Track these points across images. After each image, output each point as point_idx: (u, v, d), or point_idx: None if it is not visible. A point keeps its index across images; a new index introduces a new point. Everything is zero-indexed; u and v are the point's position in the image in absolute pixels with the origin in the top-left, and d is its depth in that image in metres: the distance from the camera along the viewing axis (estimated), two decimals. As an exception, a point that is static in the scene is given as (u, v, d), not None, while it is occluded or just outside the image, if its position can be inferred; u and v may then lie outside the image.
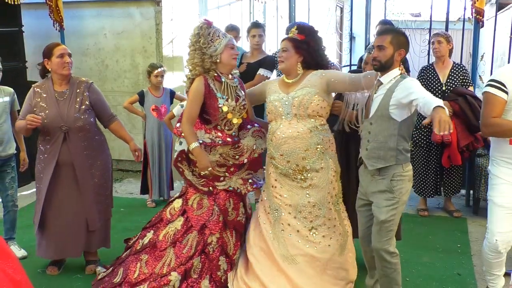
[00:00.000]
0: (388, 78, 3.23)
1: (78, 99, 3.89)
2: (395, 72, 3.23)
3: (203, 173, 3.65)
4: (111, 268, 3.94)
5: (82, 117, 3.86)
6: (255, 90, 3.94)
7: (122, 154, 7.03)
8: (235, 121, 3.73)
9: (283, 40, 3.69)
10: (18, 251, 4.44)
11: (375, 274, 3.53)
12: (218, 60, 3.64)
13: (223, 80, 3.68)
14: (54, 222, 3.98)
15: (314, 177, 3.63)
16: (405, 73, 3.33)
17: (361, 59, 5.29)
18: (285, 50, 3.62)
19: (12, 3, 5.32)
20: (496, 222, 3.23)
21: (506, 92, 3.09)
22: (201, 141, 3.67)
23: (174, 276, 3.59)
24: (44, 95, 3.87)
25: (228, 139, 3.71)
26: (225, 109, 3.64)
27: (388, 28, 3.50)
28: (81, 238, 4.02)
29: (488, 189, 3.39)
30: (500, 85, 3.10)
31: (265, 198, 3.80)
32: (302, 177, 3.62)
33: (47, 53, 3.90)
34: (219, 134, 3.71)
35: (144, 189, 5.90)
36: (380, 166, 3.24)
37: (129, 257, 3.82)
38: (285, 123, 3.59)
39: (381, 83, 3.26)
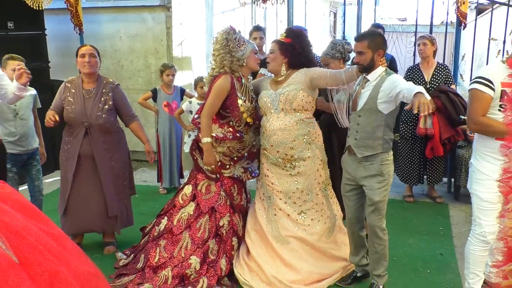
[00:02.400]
0: (374, 75, 3.26)
1: (102, 99, 3.87)
2: (380, 69, 3.26)
3: (205, 168, 3.66)
4: (132, 255, 3.94)
5: (104, 115, 3.84)
6: (254, 85, 3.92)
7: (137, 146, 6.98)
8: (248, 120, 3.74)
9: (272, 43, 3.72)
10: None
11: (360, 252, 3.56)
12: (244, 64, 3.65)
13: (243, 82, 3.69)
14: (76, 208, 3.98)
15: (302, 166, 3.66)
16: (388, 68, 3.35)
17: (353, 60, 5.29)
18: (272, 52, 3.66)
19: (36, 8, 5.30)
20: (483, 216, 3.05)
21: (493, 89, 2.91)
22: (214, 135, 3.68)
23: (194, 259, 3.60)
24: (73, 91, 3.86)
25: (237, 134, 3.73)
26: (242, 109, 3.66)
27: (364, 34, 3.44)
28: (101, 220, 4.02)
29: (470, 182, 3.17)
30: (487, 82, 2.93)
31: (260, 187, 3.85)
32: (291, 166, 3.66)
33: (76, 53, 3.91)
34: (230, 129, 3.72)
35: (159, 177, 5.89)
36: (368, 154, 3.28)
37: (148, 243, 3.82)
38: (274, 117, 3.61)
39: (368, 80, 3.28)
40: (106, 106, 3.86)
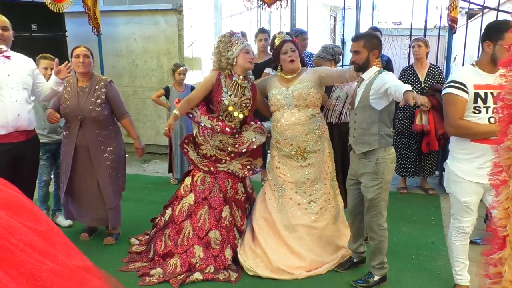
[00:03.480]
0: (368, 74, 3.22)
1: (95, 94, 3.86)
2: (374, 69, 3.22)
3: (165, 128, 3.68)
4: (145, 246, 3.94)
5: (96, 109, 3.82)
6: (260, 84, 3.89)
7: (149, 140, 7.03)
8: (235, 114, 3.70)
9: (289, 42, 3.64)
10: (64, 221, 4.44)
11: (358, 240, 3.54)
12: (234, 63, 3.62)
13: (234, 79, 3.66)
14: (75, 191, 4.00)
15: (312, 157, 3.67)
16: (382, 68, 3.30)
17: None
18: (293, 50, 3.62)
19: (57, 11, 5.29)
20: (461, 213, 3.03)
21: (467, 92, 2.82)
22: (202, 125, 3.70)
23: (197, 248, 3.60)
24: (69, 89, 3.87)
25: (227, 129, 3.70)
26: (226, 102, 3.64)
27: (360, 34, 3.42)
28: (99, 212, 4.01)
29: (447, 182, 3.12)
30: (461, 86, 2.83)
31: (270, 178, 3.82)
32: (302, 158, 3.66)
33: (70, 54, 3.93)
34: (219, 123, 3.70)
35: (171, 169, 5.90)
36: (365, 150, 3.22)
37: (156, 233, 3.84)
38: (288, 112, 3.60)
39: (363, 79, 3.25)
40: (99, 101, 3.85)
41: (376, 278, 3.36)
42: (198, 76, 6.84)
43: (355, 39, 3.30)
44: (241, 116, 3.72)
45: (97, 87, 3.88)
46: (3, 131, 3.41)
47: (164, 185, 5.73)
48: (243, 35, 5.82)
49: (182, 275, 3.46)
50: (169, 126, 3.66)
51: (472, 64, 2.91)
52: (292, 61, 3.60)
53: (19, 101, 3.48)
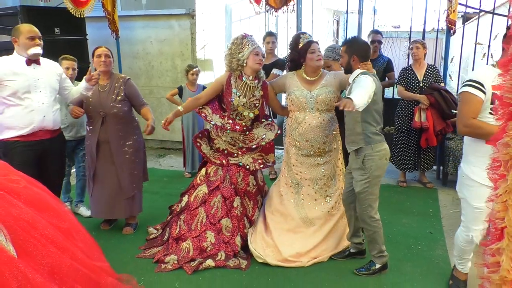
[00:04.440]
0: (352, 77, 3.20)
1: (115, 91, 3.87)
2: (356, 72, 3.18)
3: (162, 122, 3.67)
4: (161, 230, 3.96)
5: (117, 105, 3.83)
6: (279, 81, 3.82)
7: (164, 136, 7.04)
8: (245, 114, 3.67)
9: (314, 42, 3.58)
10: (86, 212, 4.46)
11: (352, 228, 3.51)
12: (244, 64, 3.58)
13: (244, 79, 3.62)
14: (99, 190, 4.00)
15: (329, 156, 3.66)
16: (370, 70, 3.23)
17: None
18: (319, 50, 3.56)
19: (79, 16, 5.29)
20: (472, 220, 2.77)
21: (484, 92, 2.59)
22: (213, 123, 3.67)
23: (209, 234, 3.60)
24: None
25: (237, 127, 3.67)
26: (235, 102, 3.61)
27: (345, 40, 3.40)
28: (121, 203, 4.01)
29: (460, 186, 2.84)
30: (478, 85, 2.60)
31: (286, 175, 3.77)
32: (321, 157, 3.64)
33: (92, 53, 3.94)
34: (230, 121, 3.68)
35: (185, 163, 5.88)
36: (354, 148, 3.21)
37: (172, 218, 3.85)
38: (310, 115, 3.56)
39: (349, 83, 3.23)
40: (119, 97, 3.85)
41: (377, 266, 3.34)
42: (210, 77, 6.83)
43: (342, 44, 3.34)
44: (251, 115, 3.70)
45: (116, 84, 3.89)
46: (29, 131, 3.44)
47: (179, 178, 5.74)
48: (272, 34, 5.80)
49: (196, 262, 3.46)
50: (166, 119, 3.66)
51: (493, 65, 2.68)
52: (320, 59, 3.55)
53: (45, 104, 3.51)
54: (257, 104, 3.68)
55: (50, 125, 3.57)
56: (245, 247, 3.65)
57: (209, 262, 3.45)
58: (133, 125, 4.01)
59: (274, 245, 3.55)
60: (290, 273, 3.37)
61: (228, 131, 3.68)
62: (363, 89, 2.92)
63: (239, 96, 3.61)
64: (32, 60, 3.46)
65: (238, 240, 3.63)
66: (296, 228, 3.62)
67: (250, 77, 3.64)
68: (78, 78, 4.29)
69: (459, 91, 2.75)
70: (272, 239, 3.58)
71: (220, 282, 3.27)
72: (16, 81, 3.36)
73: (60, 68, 3.76)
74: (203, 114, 3.73)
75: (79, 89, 3.74)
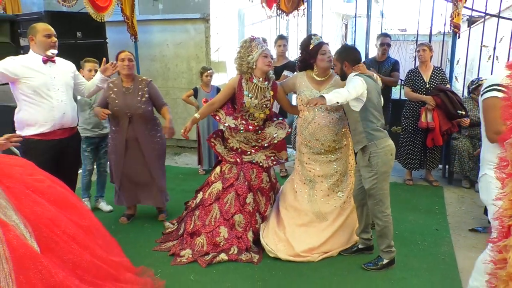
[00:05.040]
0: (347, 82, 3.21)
1: (140, 93, 3.90)
2: (350, 76, 3.21)
3: (181, 131, 3.70)
4: (176, 225, 3.97)
5: (142, 106, 3.88)
6: (289, 81, 3.81)
7: (180, 135, 7.04)
8: (257, 115, 3.66)
9: (326, 44, 3.56)
10: (106, 207, 4.49)
11: (362, 224, 3.49)
12: (254, 66, 3.57)
13: (254, 81, 3.61)
14: (128, 184, 4.06)
15: (340, 153, 3.64)
16: (364, 71, 3.26)
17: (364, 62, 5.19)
18: (330, 52, 3.54)
19: (100, 21, 5.33)
20: None
21: None
22: (227, 124, 3.67)
23: (222, 229, 3.59)
24: (115, 89, 3.90)
25: (250, 127, 3.67)
26: (247, 104, 3.59)
27: (337, 49, 3.44)
28: (152, 192, 4.10)
29: (487, 193, 2.42)
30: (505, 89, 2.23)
31: (300, 172, 3.75)
32: (331, 153, 3.62)
33: (116, 57, 3.96)
34: (243, 122, 3.68)
35: (199, 161, 5.90)
36: (359, 148, 3.22)
37: (187, 214, 3.86)
38: (319, 115, 3.54)
39: None
40: (143, 99, 3.90)
41: (385, 261, 3.31)
42: (223, 78, 6.83)
43: (334, 54, 3.40)
44: (262, 115, 3.69)
45: (140, 86, 3.93)
46: (51, 128, 3.46)
47: (193, 175, 5.74)
48: (264, 40, 5.78)
49: (210, 256, 3.46)
50: (185, 129, 3.69)
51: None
52: (330, 60, 3.53)
53: (64, 101, 3.52)
54: (268, 105, 3.67)
55: (69, 122, 3.60)
56: (256, 241, 3.64)
57: (223, 256, 3.45)
58: (156, 122, 4.08)
59: (286, 240, 3.53)
60: (300, 268, 3.35)
61: (241, 131, 3.68)
62: (351, 86, 3.03)
63: (250, 98, 3.59)
64: (48, 59, 3.46)
65: (250, 235, 3.62)
66: (309, 223, 3.60)
67: (260, 79, 3.62)
68: None
69: (483, 98, 2.43)
70: (285, 234, 3.57)
71: (233, 275, 3.27)
72: (35, 78, 3.36)
73: (73, 65, 3.75)
74: (217, 117, 3.74)
75: (95, 81, 3.77)
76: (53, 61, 3.51)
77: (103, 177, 4.53)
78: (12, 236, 2.08)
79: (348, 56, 3.28)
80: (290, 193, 3.77)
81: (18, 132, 3.38)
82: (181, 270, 3.34)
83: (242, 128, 3.65)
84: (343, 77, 3.32)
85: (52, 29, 3.50)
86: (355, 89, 3.01)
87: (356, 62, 3.28)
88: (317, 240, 3.51)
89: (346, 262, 3.44)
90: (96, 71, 4.27)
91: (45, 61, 3.45)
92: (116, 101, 3.86)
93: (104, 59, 3.75)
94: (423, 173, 5.49)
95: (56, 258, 2.23)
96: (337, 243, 3.56)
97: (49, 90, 3.42)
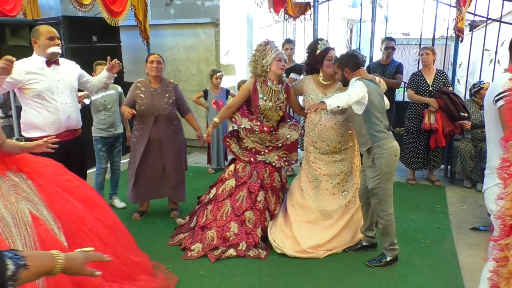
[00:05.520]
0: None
1: (167, 95, 3.94)
2: (351, 81, 3.21)
3: (204, 136, 3.78)
4: (188, 218, 4.00)
5: (168, 107, 3.91)
6: (297, 85, 3.82)
7: (191, 135, 7.01)
8: (271, 116, 3.67)
9: (332, 49, 3.57)
10: (120, 203, 4.51)
11: (366, 222, 3.48)
12: (268, 69, 3.57)
13: (269, 84, 3.62)
14: (143, 181, 4.07)
15: (345, 153, 3.63)
16: (365, 76, 3.27)
17: (368, 67, 5.18)
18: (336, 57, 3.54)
19: (114, 25, 5.37)
20: None
21: None
22: (243, 126, 3.67)
23: (233, 225, 3.60)
24: (143, 89, 3.93)
25: (265, 128, 3.68)
26: (262, 106, 3.59)
27: (336, 58, 3.45)
28: (165, 188, 4.13)
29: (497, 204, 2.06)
30: None
31: (307, 171, 3.76)
32: (337, 154, 3.62)
33: (146, 59, 3.97)
34: (258, 123, 3.68)
35: (209, 160, 5.90)
36: (364, 149, 3.21)
37: (200, 208, 3.89)
38: (324, 117, 3.55)
39: None
40: (170, 100, 3.93)
41: (388, 258, 3.29)
42: (232, 81, 6.84)
43: (334, 62, 3.41)
44: (277, 117, 3.70)
45: (167, 88, 3.96)
46: (56, 131, 3.34)
47: (203, 174, 5.76)
48: (290, 41, 5.79)
49: (219, 250, 3.47)
50: (207, 133, 3.73)
51: None
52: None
53: (69, 104, 3.40)
54: (282, 107, 3.69)
55: (74, 124, 3.50)
56: (264, 238, 3.65)
57: (231, 252, 3.46)
58: (178, 124, 4.11)
59: (293, 236, 3.53)
60: (306, 264, 3.36)
61: (256, 132, 3.68)
62: (352, 91, 3.03)
63: (265, 101, 3.60)
64: (51, 61, 3.32)
65: (259, 231, 3.63)
66: (315, 220, 3.60)
67: (274, 82, 3.63)
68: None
69: (499, 104, 2.13)
70: (291, 231, 3.57)
71: (241, 270, 3.28)
72: (39, 83, 3.22)
73: (77, 66, 3.64)
74: (233, 119, 3.76)
75: (102, 79, 3.72)
76: (57, 63, 3.37)
77: (117, 175, 4.55)
78: (42, 230, 2.17)
79: (348, 62, 3.28)
80: (297, 191, 3.78)
81: (24, 134, 3.36)
82: (191, 265, 3.35)
83: (257, 130, 3.67)
84: (345, 83, 3.33)
85: (56, 31, 3.35)
86: (355, 93, 3.01)
87: (357, 67, 3.27)
88: (322, 237, 3.50)
89: (351, 259, 3.43)
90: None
91: (48, 64, 3.31)
92: (144, 100, 3.89)
93: (108, 58, 3.69)
94: (426, 173, 5.46)
95: None
96: (342, 241, 3.55)
97: (53, 93, 3.29)
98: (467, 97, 5.47)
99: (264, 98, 3.60)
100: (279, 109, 3.67)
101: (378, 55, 5.76)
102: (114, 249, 2.53)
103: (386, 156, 3.12)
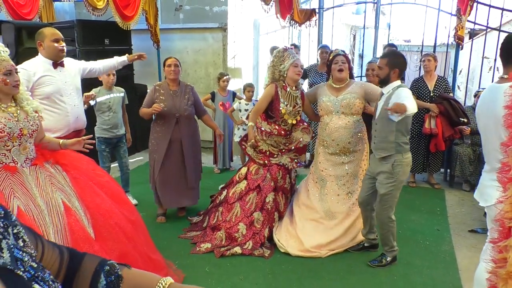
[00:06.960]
0: (387, 89, 3.10)
1: (186, 96, 3.95)
2: (393, 84, 3.07)
3: (249, 144, 3.68)
4: (202, 217, 4.04)
5: (189, 108, 3.93)
6: (311, 92, 3.86)
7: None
8: (290, 121, 3.70)
9: (339, 56, 3.56)
10: (132, 200, 4.52)
11: (367, 227, 3.45)
12: (285, 75, 3.59)
13: (288, 90, 3.64)
14: (165, 184, 3.99)
15: (353, 156, 3.62)
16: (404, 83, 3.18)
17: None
18: (344, 62, 3.54)
19: (126, 29, 5.40)
20: None
21: None
22: (263, 129, 3.69)
23: (241, 226, 3.62)
24: (162, 91, 3.92)
25: (282, 132, 3.71)
26: (283, 111, 3.62)
27: (387, 53, 3.32)
28: (186, 194, 4.07)
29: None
30: None
31: (313, 172, 3.77)
32: (345, 156, 3.61)
33: (163, 63, 4.00)
34: (276, 127, 3.70)
35: (215, 160, 5.90)
36: (383, 155, 3.10)
37: (212, 209, 3.93)
38: (336, 117, 3.56)
39: (383, 93, 3.14)
40: (189, 102, 3.95)
41: (389, 259, 3.30)
42: (239, 83, 6.85)
43: (382, 56, 3.20)
44: (294, 121, 3.73)
45: (186, 90, 3.98)
46: (66, 132, 3.31)
47: (209, 173, 5.75)
48: (295, 46, 5.80)
49: (225, 248, 3.49)
50: (253, 138, 3.67)
51: None
52: (340, 70, 3.53)
53: (76, 105, 3.39)
54: (300, 111, 3.73)
55: (81, 124, 3.48)
56: (270, 238, 3.66)
57: (237, 249, 3.48)
58: (196, 125, 4.11)
59: (297, 236, 3.54)
60: (309, 263, 3.36)
61: (273, 136, 3.71)
62: (410, 99, 2.90)
63: (286, 105, 3.63)
64: (57, 63, 3.27)
65: (266, 232, 3.64)
66: (320, 219, 3.61)
67: (293, 88, 3.66)
68: (117, 83, 4.43)
69: None
70: (296, 230, 3.57)
71: (245, 268, 3.29)
72: (48, 86, 3.18)
73: (78, 62, 3.60)
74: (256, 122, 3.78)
75: (117, 60, 3.86)
76: (62, 65, 3.32)
77: (127, 175, 4.56)
78: (72, 220, 2.24)
79: (400, 65, 3.08)
80: (303, 192, 3.80)
81: None
82: (197, 262, 3.36)
83: (275, 133, 3.70)
84: (384, 82, 3.11)
85: (60, 33, 3.28)
86: (413, 102, 2.90)
87: (403, 73, 3.15)
88: (325, 238, 3.50)
89: (352, 258, 3.44)
90: (114, 75, 4.28)
91: (54, 66, 3.26)
92: (165, 102, 3.88)
93: (126, 54, 3.79)
94: (426, 176, 5.45)
95: (106, 246, 2.32)
96: (345, 242, 3.55)
97: (62, 95, 3.25)
98: (467, 103, 5.46)
99: (285, 102, 3.64)
100: (297, 114, 3.71)
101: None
102: (136, 245, 2.56)
103: (404, 165, 3.08)
